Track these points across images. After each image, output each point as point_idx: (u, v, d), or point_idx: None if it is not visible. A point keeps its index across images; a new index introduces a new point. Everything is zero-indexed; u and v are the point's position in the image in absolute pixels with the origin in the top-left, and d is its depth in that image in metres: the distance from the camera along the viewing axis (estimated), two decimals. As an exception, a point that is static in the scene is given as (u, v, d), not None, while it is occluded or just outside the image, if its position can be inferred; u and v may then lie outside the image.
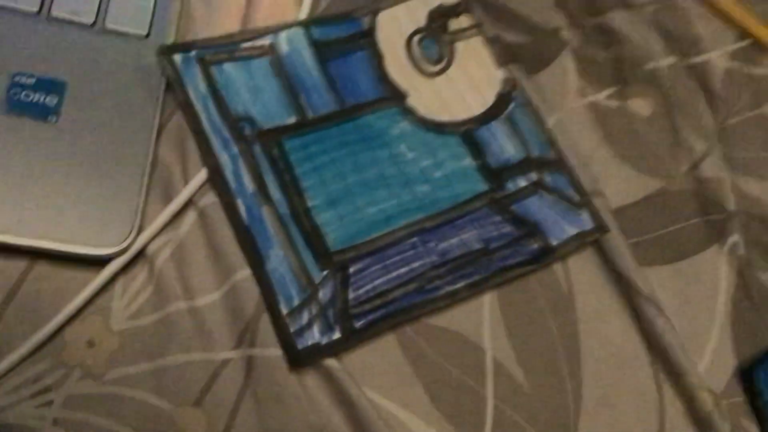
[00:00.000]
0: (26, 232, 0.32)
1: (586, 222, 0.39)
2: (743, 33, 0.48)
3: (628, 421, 0.37)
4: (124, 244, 0.33)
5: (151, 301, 0.34)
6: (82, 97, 0.35)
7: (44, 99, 0.35)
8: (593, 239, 0.39)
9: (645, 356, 0.38)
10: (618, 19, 0.46)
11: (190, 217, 0.36)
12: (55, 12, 0.37)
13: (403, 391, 0.35)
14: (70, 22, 0.37)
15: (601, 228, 0.39)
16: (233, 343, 0.34)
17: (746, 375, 0.38)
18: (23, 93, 0.34)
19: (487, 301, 0.37)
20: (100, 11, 0.38)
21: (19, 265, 0.33)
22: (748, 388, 0.38)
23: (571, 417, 0.36)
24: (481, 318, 0.37)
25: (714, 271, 0.40)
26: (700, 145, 0.43)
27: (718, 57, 0.47)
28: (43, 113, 0.34)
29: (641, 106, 0.44)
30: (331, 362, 0.34)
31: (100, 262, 0.33)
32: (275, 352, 0.34)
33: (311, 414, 0.33)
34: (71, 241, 0.32)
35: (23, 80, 0.35)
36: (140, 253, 0.34)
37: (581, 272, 0.39)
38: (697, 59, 0.46)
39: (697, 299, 0.40)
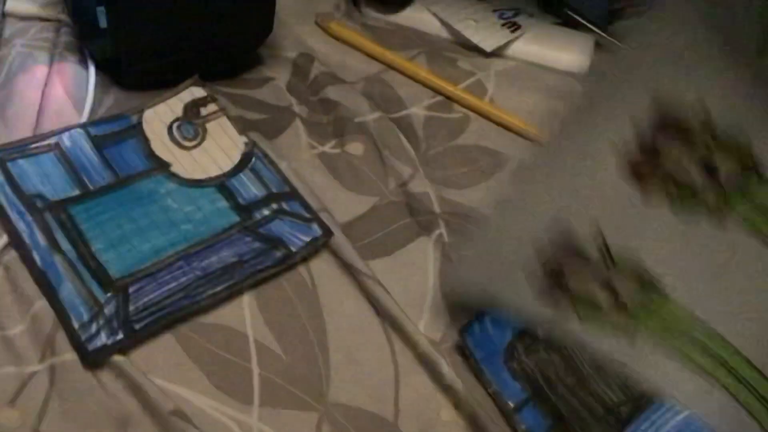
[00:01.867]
0: None
1: (316, 231, 0.51)
2: (436, 91, 0.64)
3: (371, 371, 0.47)
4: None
5: (-30, 336, 0.43)
6: None
7: None
8: (323, 243, 0.51)
9: (376, 321, 0.49)
10: (333, 92, 0.60)
11: (-3, 271, 0.46)
12: None
13: (184, 375, 0.44)
14: None
15: (328, 233, 0.51)
16: (38, 358, 0.43)
17: (461, 338, 0.49)
18: None
19: (246, 299, 0.48)
20: None
21: None
22: (464, 348, 0.48)
23: (323, 375, 0.46)
24: (243, 312, 0.47)
25: (424, 256, 0.53)
26: (406, 170, 0.57)
27: (417, 110, 0.62)
28: None
29: (355, 148, 0.57)
30: (119, 358, 0.43)
31: None
32: (72, 356, 0.43)
33: (109, 401, 0.42)
34: None
35: None
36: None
37: (321, 270, 0.50)
38: (401, 113, 0.61)
39: (414, 277, 0.52)
